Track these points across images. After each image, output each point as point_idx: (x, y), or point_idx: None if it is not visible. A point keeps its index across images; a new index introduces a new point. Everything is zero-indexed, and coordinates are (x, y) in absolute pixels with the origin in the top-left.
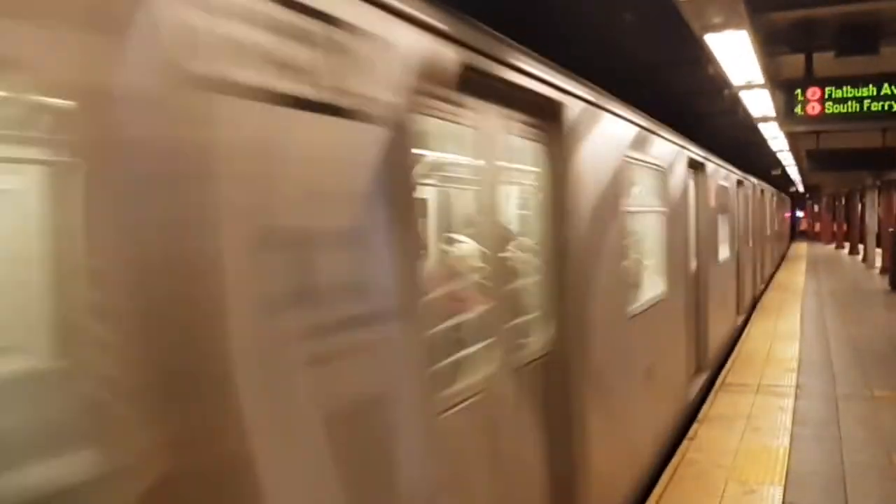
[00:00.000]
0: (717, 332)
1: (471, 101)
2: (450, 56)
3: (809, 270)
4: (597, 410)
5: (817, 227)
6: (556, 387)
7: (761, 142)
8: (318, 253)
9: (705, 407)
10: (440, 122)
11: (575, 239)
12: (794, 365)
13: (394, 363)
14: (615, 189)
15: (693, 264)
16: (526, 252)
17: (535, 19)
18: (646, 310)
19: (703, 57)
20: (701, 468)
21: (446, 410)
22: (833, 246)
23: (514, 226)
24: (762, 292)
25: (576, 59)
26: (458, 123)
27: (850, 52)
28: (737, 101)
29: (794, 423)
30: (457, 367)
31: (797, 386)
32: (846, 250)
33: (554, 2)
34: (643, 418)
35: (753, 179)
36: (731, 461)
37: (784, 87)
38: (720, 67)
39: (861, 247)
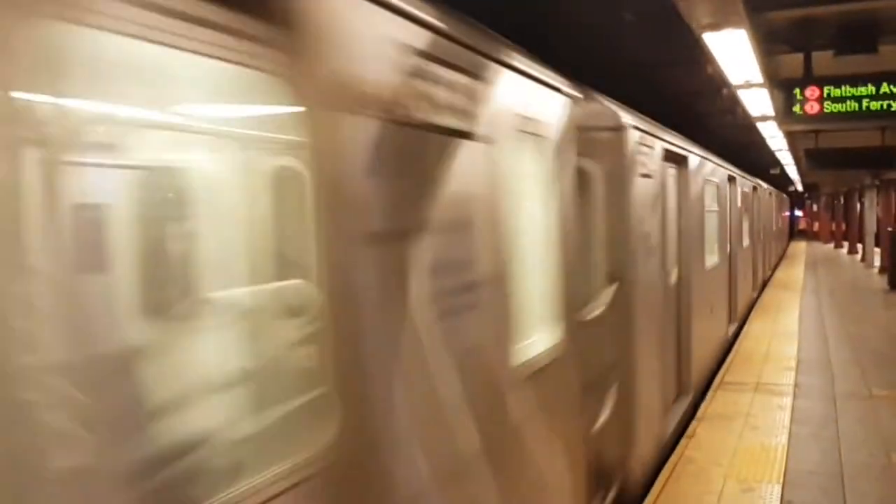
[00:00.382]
0: (704, 349)
1: None
2: None
3: (808, 269)
4: None
5: (816, 226)
6: None
7: (760, 141)
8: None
9: (704, 405)
10: None
11: None
12: (793, 364)
13: None
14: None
15: (674, 273)
16: None
17: (534, 18)
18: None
19: (701, 56)
20: (699, 466)
21: None
22: (832, 245)
23: None
24: (759, 294)
25: (574, 58)
26: None
27: (848, 51)
28: (735, 101)
29: (792, 421)
30: None
31: (796, 385)
32: (845, 249)
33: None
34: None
35: (747, 176)
36: (729, 459)
37: (783, 87)
38: (719, 67)
39: (860, 246)
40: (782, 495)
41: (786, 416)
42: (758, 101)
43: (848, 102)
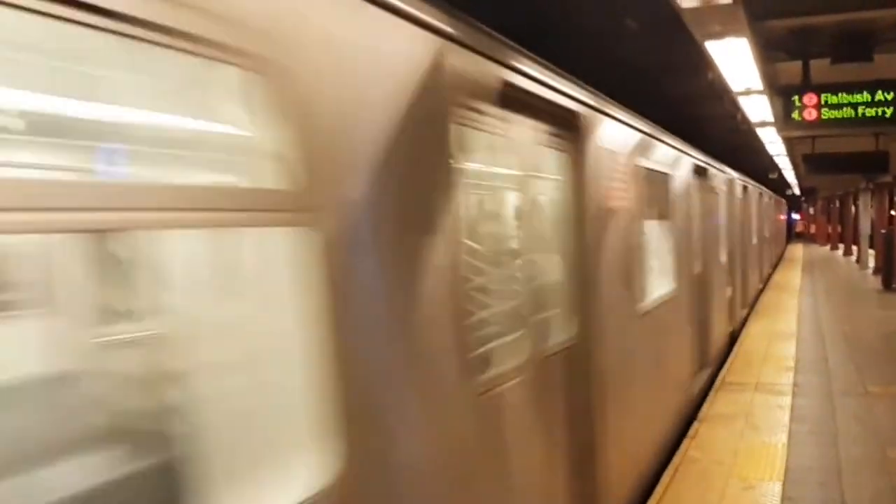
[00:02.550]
0: (640, 438)
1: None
2: None
3: (805, 271)
4: None
5: (813, 228)
6: None
7: (759, 147)
8: None
9: (705, 406)
10: None
11: None
12: (792, 363)
13: None
14: None
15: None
16: None
17: (541, 25)
18: None
19: (703, 63)
20: (702, 466)
21: None
22: (828, 247)
23: None
24: (746, 318)
25: (580, 64)
26: None
27: (845, 59)
28: (735, 107)
29: (791, 420)
30: None
31: (794, 384)
32: (841, 251)
33: (559, 8)
34: None
35: (729, 170)
36: (731, 459)
37: (782, 93)
38: (720, 74)
39: (855, 248)
40: (783, 492)
41: (785, 415)
42: (757, 108)
43: (844, 109)
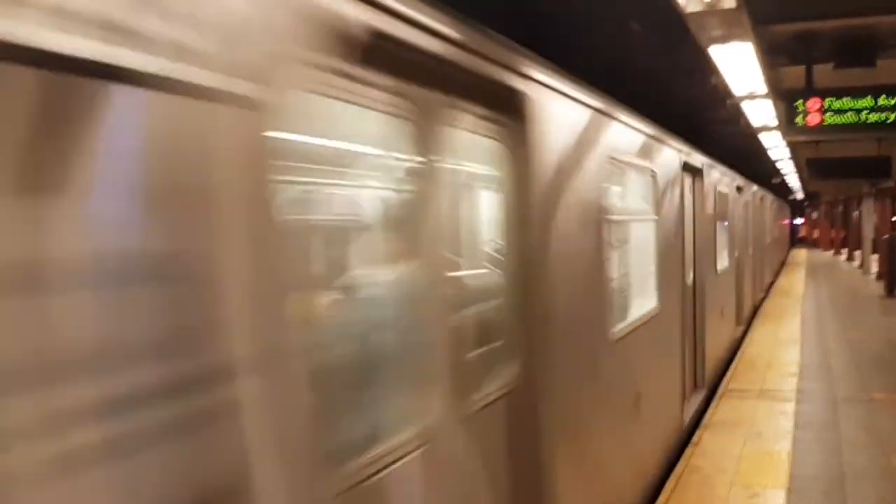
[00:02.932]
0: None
1: None
2: None
3: (809, 276)
4: None
5: (816, 233)
6: None
7: (762, 151)
8: None
9: (708, 413)
10: None
11: None
12: (795, 369)
13: None
14: None
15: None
16: None
17: (547, 29)
18: None
19: (707, 67)
20: (705, 474)
21: None
22: (831, 252)
23: None
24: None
25: (586, 68)
26: None
27: (848, 64)
28: (739, 111)
29: (795, 426)
30: None
31: (798, 390)
32: (844, 256)
33: (565, 11)
34: None
35: (719, 165)
36: (734, 466)
37: (785, 98)
38: (723, 78)
39: (858, 253)
40: (787, 500)
41: (789, 422)
42: (761, 112)
43: (847, 114)
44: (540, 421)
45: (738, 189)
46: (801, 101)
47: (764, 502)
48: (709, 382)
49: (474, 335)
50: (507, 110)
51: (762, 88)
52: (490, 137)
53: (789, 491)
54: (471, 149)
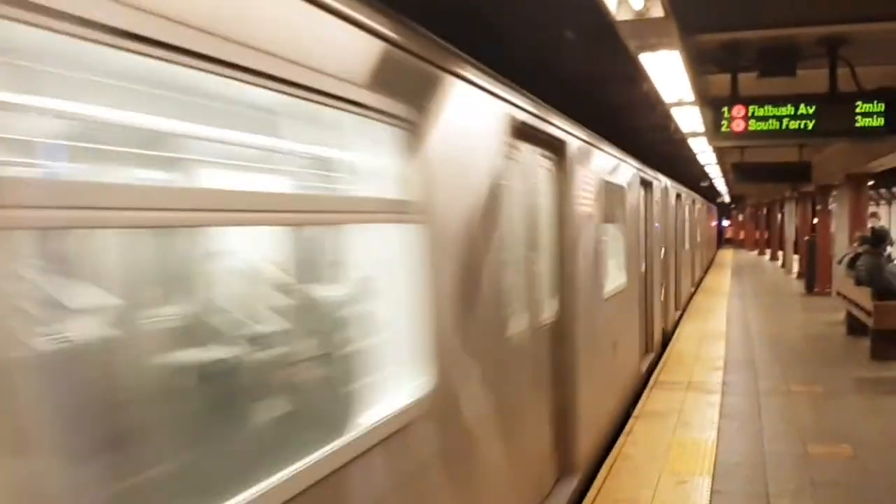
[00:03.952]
0: None
1: None
2: None
3: (735, 275)
4: None
5: (742, 234)
6: None
7: (692, 156)
8: None
9: (640, 403)
10: None
11: None
12: (721, 363)
13: None
14: None
15: None
16: None
17: (480, 35)
18: None
19: (638, 75)
20: (636, 462)
21: None
22: (756, 252)
23: None
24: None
25: (520, 73)
26: None
27: (770, 73)
28: (669, 117)
29: (721, 417)
30: None
31: (724, 383)
32: (767, 256)
33: (497, 19)
34: None
35: (665, 179)
36: (664, 454)
37: (712, 105)
38: (654, 85)
39: (780, 253)
40: (712, 486)
41: (715, 413)
42: (689, 119)
43: (770, 121)
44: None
45: (678, 196)
46: (726, 109)
47: (691, 489)
48: (656, 348)
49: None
50: (557, 152)
51: (690, 96)
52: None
53: (715, 477)
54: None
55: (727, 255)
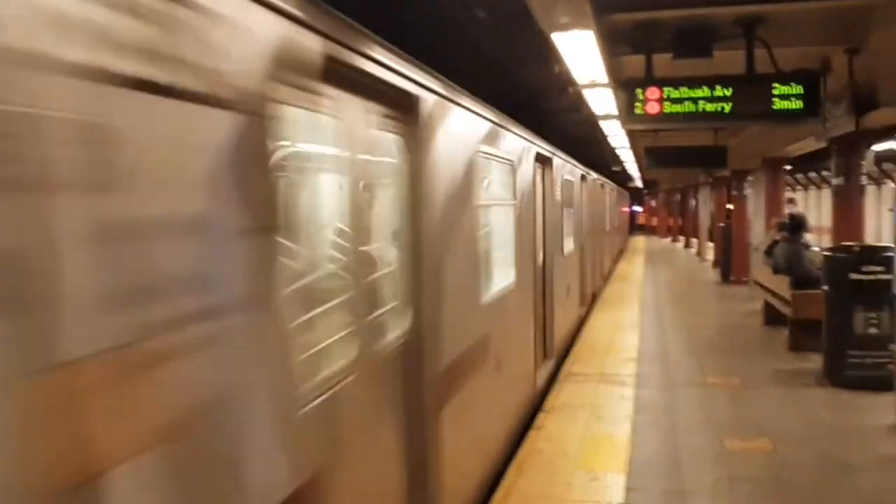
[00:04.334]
0: None
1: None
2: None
3: (648, 263)
4: None
5: (654, 221)
6: None
7: (604, 139)
8: None
9: (551, 396)
10: None
11: None
12: (635, 354)
13: None
14: None
15: None
16: None
17: (389, 13)
18: None
19: (550, 55)
20: (548, 458)
21: None
22: (669, 239)
23: None
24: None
25: (428, 52)
26: None
27: (686, 54)
28: (581, 99)
29: (635, 410)
30: None
31: (637, 375)
32: (681, 244)
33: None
34: None
35: (566, 157)
36: (576, 449)
37: (625, 87)
38: (566, 66)
39: (695, 240)
40: (627, 483)
41: (629, 406)
42: (602, 101)
43: (685, 103)
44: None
45: (583, 177)
46: (640, 91)
47: (604, 485)
48: (558, 352)
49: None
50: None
51: (603, 77)
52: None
53: (630, 473)
54: None
55: (640, 243)
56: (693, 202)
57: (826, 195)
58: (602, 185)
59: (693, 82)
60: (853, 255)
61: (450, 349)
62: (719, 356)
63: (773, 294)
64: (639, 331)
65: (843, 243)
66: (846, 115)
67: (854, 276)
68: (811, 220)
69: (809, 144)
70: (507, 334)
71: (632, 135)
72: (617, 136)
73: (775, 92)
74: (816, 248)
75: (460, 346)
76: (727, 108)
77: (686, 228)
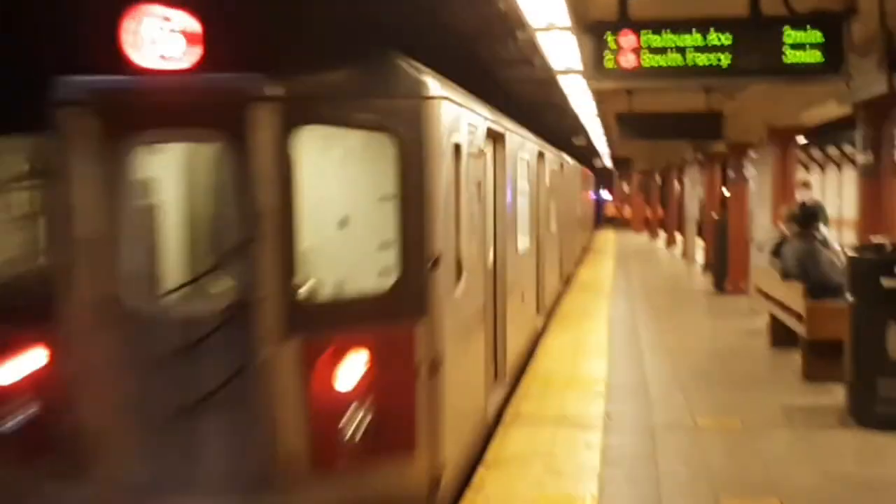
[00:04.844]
0: None
1: None
2: None
3: (619, 266)
4: None
5: (627, 211)
6: None
7: (562, 101)
8: None
9: (494, 446)
10: None
11: None
12: (602, 388)
13: None
14: None
15: None
16: None
17: None
18: None
19: None
20: None
21: None
22: (646, 235)
23: None
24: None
25: None
26: None
27: None
28: (534, 48)
29: (603, 463)
30: None
31: (606, 415)
32: (662, 242)
33: None
34: None
35: (522, 131)
36: None
37: (593, 31)
38: (514, 2)
39: (680, 237)
40: None
41: (595, 457)
42: (562, 50)
43: (670, 54)
44: None
45: (540, 155)
46: (612, 36)
47: None
48: (510, 373)
49: None
50: None
51: (564, 19)
52: None
53: None
54: None
55: (609, 239)
56: (677, 187)
57: (850, 177)
58: (562, 166)
59: (680, 26)
60: (886, 256)
61: None
62: (713, 389)
63: (782, 307)
64: (608, 356)
65: (872, 240)
66: (876, 72)
67: (887, 282)
68: (830, 210)
69: (830, 110)
70: (454, 352)
71: (599, 96)
72: (580, 96)
73: (787, 40)
74: (837, 247)
75: None
76: (725, 60)
77: (668, 221)
